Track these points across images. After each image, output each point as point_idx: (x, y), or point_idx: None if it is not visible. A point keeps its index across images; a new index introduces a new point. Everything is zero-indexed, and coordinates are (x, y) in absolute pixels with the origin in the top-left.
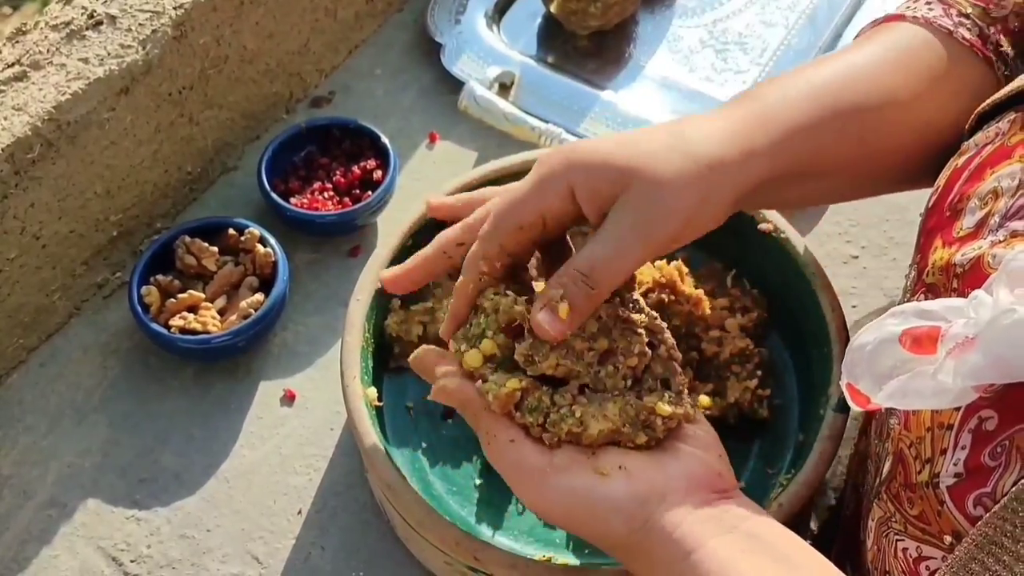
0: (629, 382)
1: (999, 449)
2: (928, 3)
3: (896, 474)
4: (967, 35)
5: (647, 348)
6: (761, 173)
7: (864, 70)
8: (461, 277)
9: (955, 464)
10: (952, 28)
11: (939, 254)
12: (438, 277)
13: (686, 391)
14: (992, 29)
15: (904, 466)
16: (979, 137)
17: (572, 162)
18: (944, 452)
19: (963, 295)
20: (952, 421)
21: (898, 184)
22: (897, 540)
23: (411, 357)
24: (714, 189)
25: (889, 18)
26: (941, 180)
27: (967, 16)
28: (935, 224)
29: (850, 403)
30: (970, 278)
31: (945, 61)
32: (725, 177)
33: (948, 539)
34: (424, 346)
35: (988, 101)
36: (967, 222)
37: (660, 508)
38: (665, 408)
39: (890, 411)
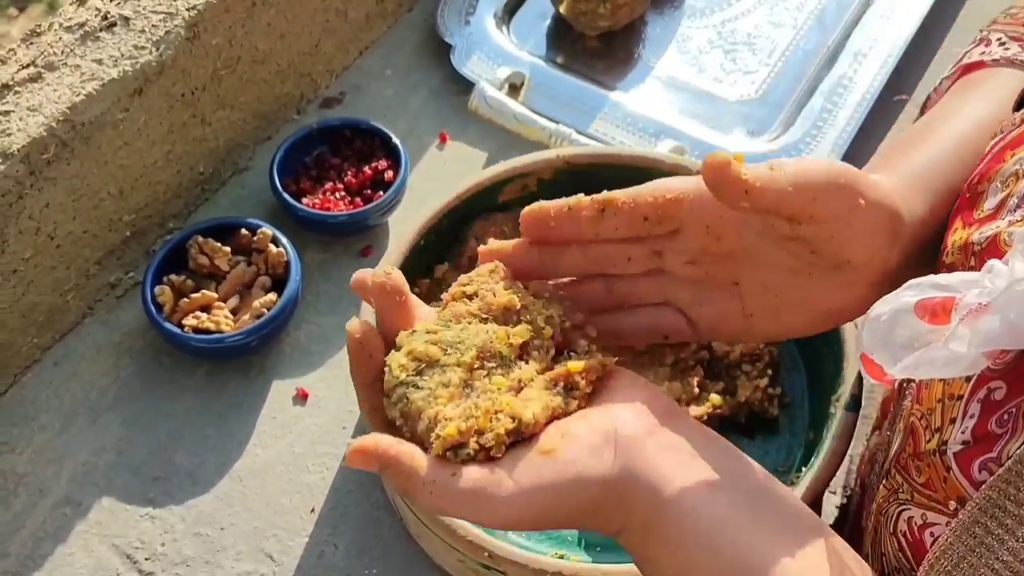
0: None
1: (1006, 416)
2: (1001, 43)
3: (906, 446)
4: None
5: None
6: (923, 236)
7: (985, 128)
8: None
9: (963, 432)
10: None
11: (959, 235)
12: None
13: (594, 348)
14: None
15: (914, 437)
16: (1005, 123)
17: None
18: (953, 421)
19: None
20: (962, 392)
21: None
22: (903, 510)
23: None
24: (882, 192)
25: (969, 68)
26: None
27: None
28: (958, 206)
29: (865, 376)
30: (987, 256)
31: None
32: (888, 197)
33: (953, 505)
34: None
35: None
36: (988, 203)
37: (619, 445)
38: (576, 365)
39: (905, 392)
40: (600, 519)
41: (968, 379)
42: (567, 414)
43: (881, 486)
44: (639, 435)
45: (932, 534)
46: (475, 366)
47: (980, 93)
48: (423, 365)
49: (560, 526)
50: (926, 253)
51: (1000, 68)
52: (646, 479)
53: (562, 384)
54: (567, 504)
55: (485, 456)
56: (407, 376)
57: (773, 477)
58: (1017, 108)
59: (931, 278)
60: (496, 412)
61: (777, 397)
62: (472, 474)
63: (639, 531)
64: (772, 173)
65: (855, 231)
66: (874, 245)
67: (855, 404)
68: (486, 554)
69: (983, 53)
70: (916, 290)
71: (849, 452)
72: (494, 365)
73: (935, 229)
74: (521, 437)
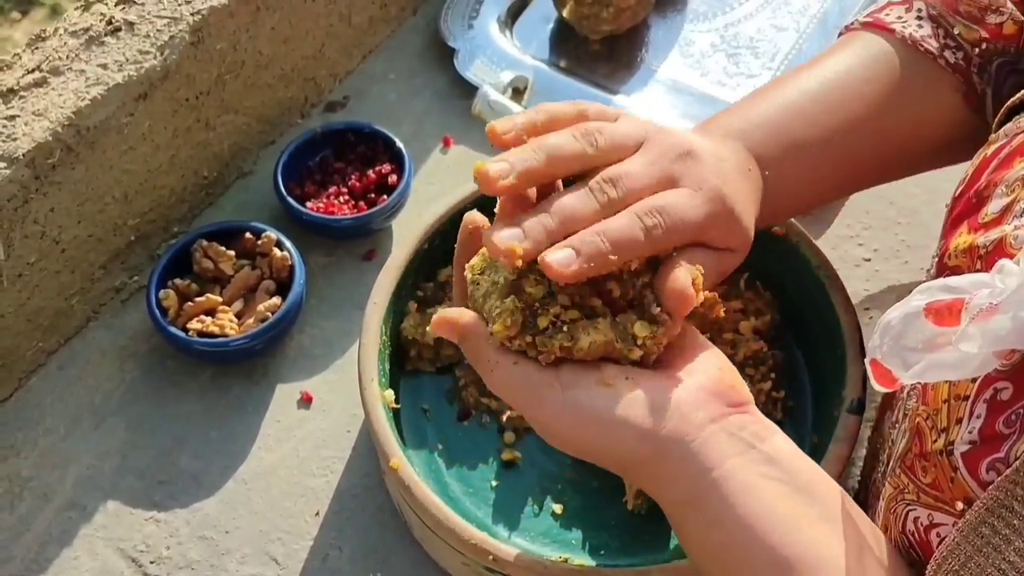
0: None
1: (1013, 417)
2: (919, 17)
3: (912, 446)
4: (951, 59)
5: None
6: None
7: (827, 90)
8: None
9: (970, 432)
10: (936, 53)
11: (963, 238)
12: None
13: (666, 320)
14: (976, 50)
15: (920, 437)
16: (1009, 127)
17: (731, 215)
18: (959, 421)
19: None
20: (968, 392)
21: (890, 176)
22: (909, 510)
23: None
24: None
25: (877, 24)
26: (970, 169)
27: (954, 37)
28: (961, 211)
29: (873, 383)
30: (992, 259)
31: (919, 81)
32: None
33: (960, 505)
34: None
35: (1018, 96)
36: (992, 208)
37: (672, 417)
38: (642, 329)
39: (910, 393)
40: (638, 474)
41: (974, 380)
42: (627, 359)
43: (887, 483)
44: (700, 419)
45: (939, 534)
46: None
47: (852, 53)
48: (486, 265)
49: (600, 462)
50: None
51: (900, 47)
52: (697, 458)
53: (629, 332)
54: (605, 443)
55: (537, 356)
56: (473, 276)
57: (826, 474)
58: (1018, 111)
59: (941, 281)
60: (552, 322)
61: (781, 401)
62: (528, 369)
63: (682, 504)
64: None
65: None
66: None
67: (859, 407)
68: (490, 557)
69: (899, 19)
70: (926, 294)
71: (852, 455)
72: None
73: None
74: (574, 357)
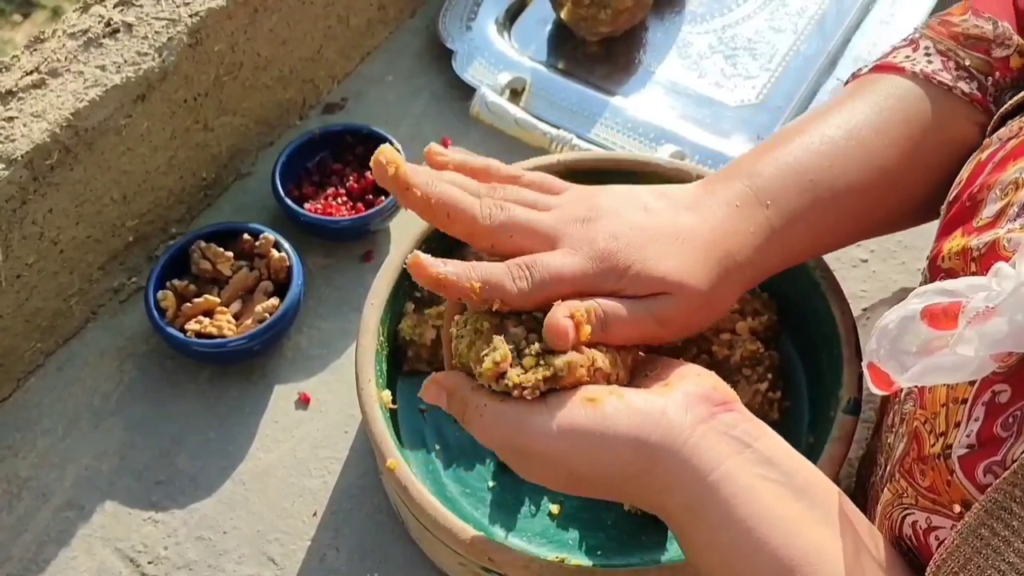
0: None
1: (1011, 420)
2: (927, 53)
3: (910, 450)
4: (966, 88)
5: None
6: (769, 259)
7: (855, 146)
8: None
9: (968, 436)
10: (951, 84)
11: (956, 241)
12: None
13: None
14: (990, 80)
15: (918, 442)
16: (1003, 132)
17: (617, 267)
18: (958, 425)
19: None
20: (966, 396)
21: (906, 223)
22: (907, 515)
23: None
24: (725, 283)
25: (886, 67)
26: (964, 174)
27: (965, 68)
28: (955, 215)
29: (871, 386)
30: (986, 261)
31: (937, 117)
32: (743, 276)
33: (957, 508)
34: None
35: (1011, 102)
36: (987, 212)
37: (661, 423)
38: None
39: (907, 397)
40: (636, 489)
41: (972, 383)
42: (607, 375)
43: (885, 489)
44: (687, 422)
45: (937, 537)
46: (507, 316)
47: (868, 102)
48: (468, 318)
49: (597, 487)
50: (780, 262)
51: (914, 84)
52: (693, 462)
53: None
54: (599, 458)
55: (522, 393)
56: (457, 331)
57: (822, 474)
58: (1011, 116)
59: (937, 284)
60: (536, 359)
61: (777, 401)
62: (516, 405)
63: (682, 510)
64: (595, 326)
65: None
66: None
67: (855, 408)
68: (487, 557)
69: (908, 58)
70: (922, 297)
71: (848, 456)
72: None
73: (785, 252)
74: (558, 385)
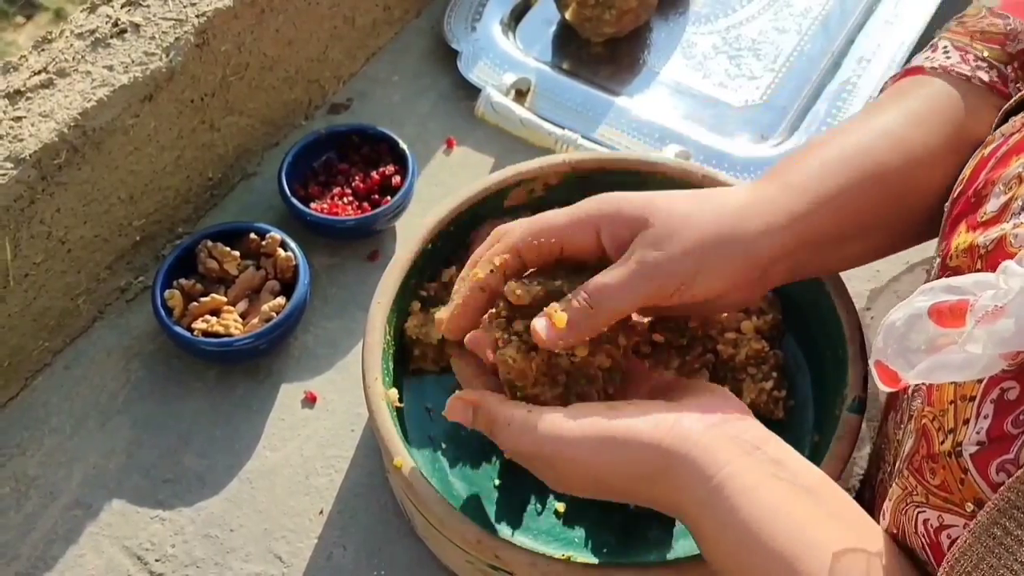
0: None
1: (1021, 417)
2: (945, 50)
3: (919, 448)
4: (985, 77)
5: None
6: (785, 243)
7: (888, 135)
8: (472, 270)
9: (978, 433)
10: (970, 74)
11: (963, 238)
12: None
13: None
14: (1010, 68)
15: (927, 439)
16: (1006, 127)
17: (603, 209)
18: (966, 422)
19: None
20: (974, 393)
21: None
22: (918, 512)
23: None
24: (727, 244)
25: (909, 71)
26: (967, 170)
27: (983, 59)
28: (960, 211)
29: (878, 384)
30: (993, 258)
31: (965, 110)
32: (738, 243)
33: (970, 506)
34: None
35: (1015, 99)
36: (991, 206)
37: (675, 429)
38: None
39: (914, 394)
40: (655, 490)
41: (980, 380)
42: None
43: (895, 485)
44: (698, 427)
45: (949, 536)
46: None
47: (898, 101)
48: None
49: (620, 490)
50: (806, 253)
51: (934, 79)
52: (700, 463)
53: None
54: (623, 462)
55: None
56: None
57: (828, 477)
58: (1014, 113)
59: (944, 281)
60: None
61: (782, 400)
62: (543, 412)
63: (695, 509)
64: (585, 323)
65: (687, 297)
66: (719, 287)
67: (860, 406)
68: (494, 555)
69: (927, 59)
70: (929, 294)
71: (853, 454)
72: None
73: (813, 236)
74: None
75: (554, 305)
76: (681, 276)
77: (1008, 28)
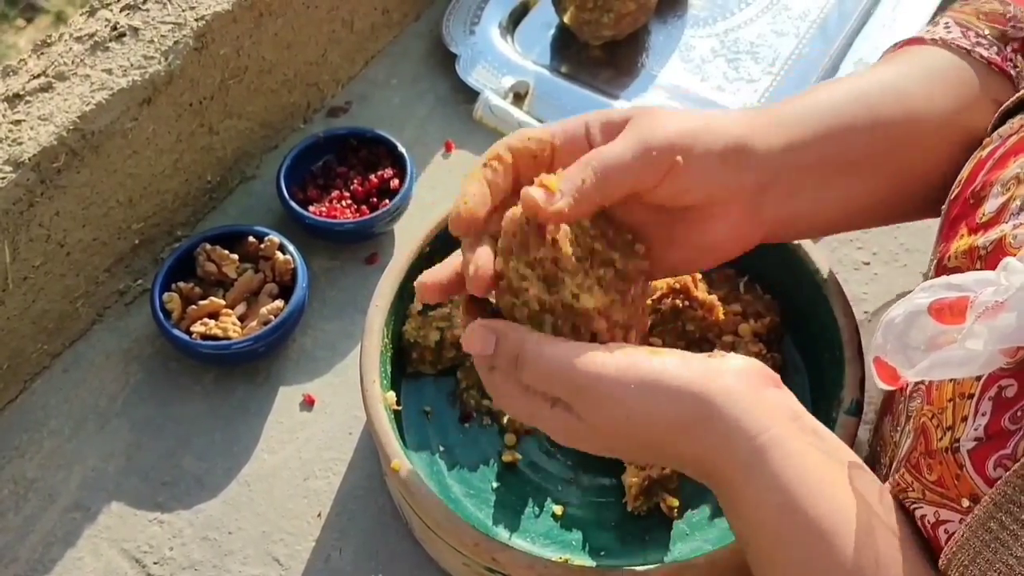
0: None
1: (1019, 414)
2: (946, 26)
3: (917, 445)
4: (984, 53)
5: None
6: (783, 161)
7: (888, 90)
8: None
9: (976, 429)
10: (970, 47)
11: (963, 240)
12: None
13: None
14: (1009, 48)
15: (926, 436)
16: (1004, 129)
17: (591, 112)
18: (965, 419)
19: None
20: (973, 391)
21: (933, 205)
22: (915, 508)
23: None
24: (720, 136)
25: (910, 41)
26: (965, 172)
27: (984, 36)
28: (958, 213)
29: (877, 381)
30: (993, 259)
31: (967, 80)
32: (733, 140)
33: (966, 502)
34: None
35: (1012, 99)
36: (989, 207)
37: (720, 381)
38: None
39: (913, 395)
40: (689, 444)
41: (979, 378)
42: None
43: (887, 483)
44: (741, 386)
45: (946, 531)
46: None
47: (897, 62)
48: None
49: (648, 441)
50: (799, 179)
51: (935, 48)
52: (743, 421)
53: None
54: (662, 406)
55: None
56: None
57: (858, 458)
58: (1012, 114)
59: (945, 279)
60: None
61: None
62: (578, 344)
63: (734, 469)
64: (581, 186)
65: (681, 184)
66: (710, 185)
67: (857, 409)
68: (491, 558)
69: (928, 31)
70: (929, 291)
71: None
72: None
73: (807, 160)
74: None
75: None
76: (677, 148)
77: (1010, 15)
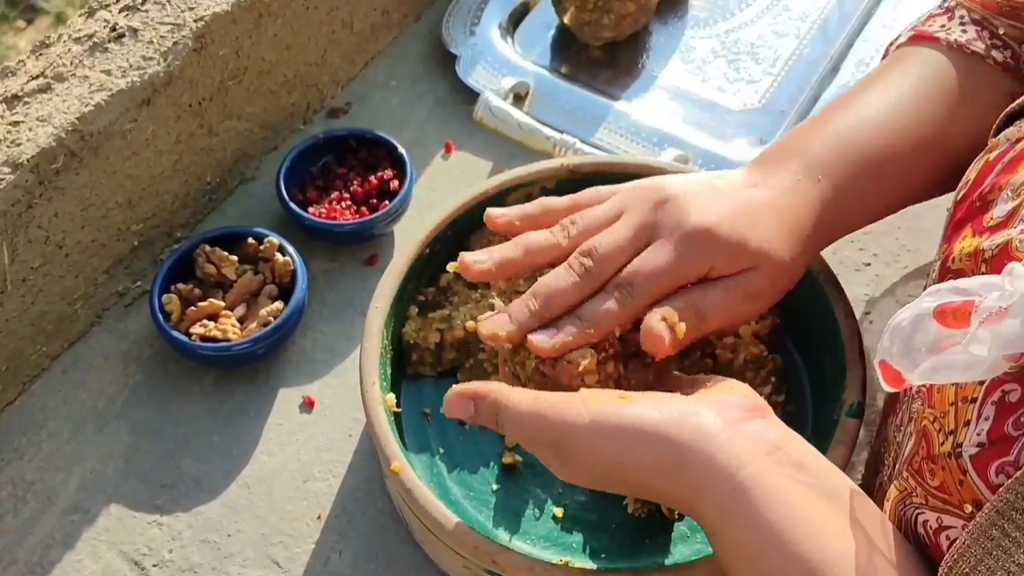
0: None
1: (1022, 419)
2: (962, 21)
3: (919, 449)
4: (999, 57)
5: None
6: (828, 235)
7: (896, 118)
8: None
9: (978, 434)
10: (984, 53)
11: (967, 242)
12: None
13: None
14: (1023, 47)
15: (927, 440)
16: (1011, 132)
17: (717, 242)
18: (967, 424)
19: None
20: (976, 395)
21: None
22: (917, 514)
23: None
24: (805, 256)
25: (922, 36)
26: (971, 174)
27: (999, 36)
28: (964, 215)
29: (882, 384)
30: (998, 262)
31: (971, 87)
32: (811, 245)
33: (968, 508)
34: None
35: (1018, 101)
36: (998, 212)
37: (692, 421)
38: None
39: (915, 396)
40: (669, 485)
41: (981, 382)
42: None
43: (892, 487)
44: (717, 423)
45: (948, 537)
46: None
47: (904, 74)
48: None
49: (632, 482)
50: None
51: (944, 53)
52: (722, 459)
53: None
54: (632, 452)
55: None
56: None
57: (848, 480)
58: (1018, 116)
59: (950, 283)
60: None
61: (780, 405)
62: (551, 396)
63: (713, 509)
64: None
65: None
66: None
67: (859, 411)
68: (491, 560)
69: (943, 27)
70: (935, 296)
71: (851, 459)
72: None
73: (847, 209)
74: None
75: (665, 309)
76: (776, 299)
77: None
